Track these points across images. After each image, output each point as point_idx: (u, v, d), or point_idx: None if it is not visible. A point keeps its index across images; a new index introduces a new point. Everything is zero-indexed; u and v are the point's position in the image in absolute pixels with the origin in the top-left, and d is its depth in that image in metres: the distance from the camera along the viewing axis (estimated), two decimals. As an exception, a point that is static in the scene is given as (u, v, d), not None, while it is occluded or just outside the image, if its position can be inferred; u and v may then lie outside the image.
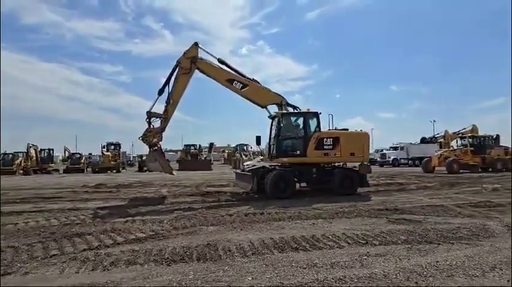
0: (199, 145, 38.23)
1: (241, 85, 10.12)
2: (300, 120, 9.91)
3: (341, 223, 5.95)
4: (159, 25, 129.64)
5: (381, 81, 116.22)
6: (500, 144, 25.66)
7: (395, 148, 36.01)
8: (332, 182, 9.76)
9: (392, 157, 34.40)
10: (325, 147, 9.64)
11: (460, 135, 36.15)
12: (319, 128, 9.79)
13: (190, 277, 3.30)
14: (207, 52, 10.21)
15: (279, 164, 9.79)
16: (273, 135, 10.06)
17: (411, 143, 36.89)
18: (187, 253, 4.07)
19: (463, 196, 9.64)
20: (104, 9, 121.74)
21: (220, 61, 10.24)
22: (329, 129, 10.26)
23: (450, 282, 3.08)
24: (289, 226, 5.68)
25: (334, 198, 9.06)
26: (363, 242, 4.51)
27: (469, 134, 29.19)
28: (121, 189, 12.69)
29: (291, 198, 9.05)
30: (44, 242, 4.67)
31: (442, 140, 38.03)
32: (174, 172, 12.05)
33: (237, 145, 51.54)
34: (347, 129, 10.37)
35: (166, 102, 9.84)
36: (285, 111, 10.14)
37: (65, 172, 28.12)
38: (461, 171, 20.65)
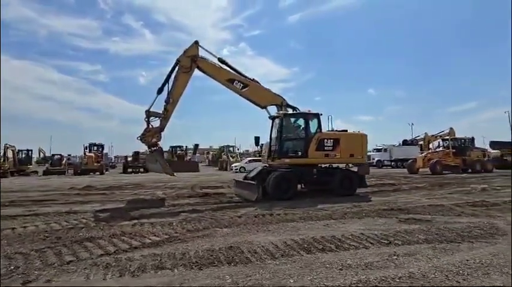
0: (186, 146, 37.65)
1: (241, 85, 10.02)
2: (302, 121, 9.94)
3: (354, 223, 5.97)
4: (138, 24, 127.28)
5: (359, 85, 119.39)
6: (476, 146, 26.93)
7: (378, 150, 36.93)
8: (332, 182, 9.83)
9: (376, 159, 35.27)
10: (325, 148, 9.72)
11: (439, 137, 37.72)
12: (320, 129, 9.85)
13: (228, 281, 3.18)
14: (207, 51, 10.07)
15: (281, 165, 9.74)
16: (274, 136, 10.02)
17: (394, 145, 38.01)
18: (214, 256, 3.94)
19: (457, 195, 9.96)
20: (81, 6, 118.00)
21: (221, 60, 10.10)
22: (328, 131, 10.33)
23: (488, 280, 3.14)
24: (304, 227, 5.63)
25: (334, 199, 9.12)
26: (386, 242, 4.53)
27: (451, 137, 30.41)
28: (113, 191, 12.25)
29: (293, 199, 9.04)
30: (54, 248, 4.39)
31: (422, 142, 39.50)
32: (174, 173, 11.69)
33: (222, 146, 51.27)
34: (346, 131, 10.49)
35: (165, 102, 9.58)
36: (287, 112, 10.12)
37: (44, 173, 26.86)
38: (444, 172, 21.44)
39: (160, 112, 9.57)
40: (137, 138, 9.55)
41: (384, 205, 8.00)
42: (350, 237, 4.82)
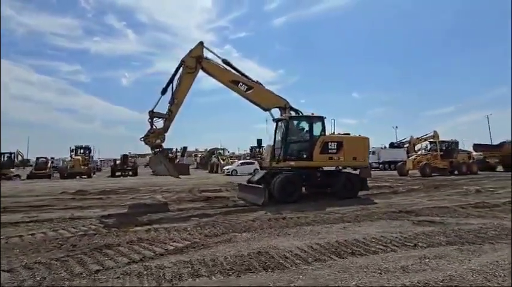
0: (176, 149, 37.13)
1: (246, 87, 9.98)
2: (307, 124, 9.97)
3: (369, 226, 6.01)
4: (121, 24, 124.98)
5: (343, 88, 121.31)
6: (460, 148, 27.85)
7: (367, 152, 37.56)
8: (335, 185, 9.90)
9: (365, 161, 35.80)
10: (329, 151, 9.78)
11: (423, 140, 38.79)
12: (324, 132, 9.92)
13: (272, 287, 3.12)
14: (212, 52, 9.99)
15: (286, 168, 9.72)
16: (279, 139, 10.01)
17: (382, 148, 38.81)
18: (246, 263, 3.86)
19: (455, 197, 10.24)
20: (61, 5, 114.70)
21: (225, 62, 10.04)
22: (331, 134, 10.41)
23: (526, 281, 3.21)
24: (322, 231, 5.62)
25: (338, 201, 9.17)
26: (411, 244, 4.58)
27: (435, 140, 31.28)
28: (109, 195, 11.90)
29: (298, 202, 9.03)
30: (74, 257, 4.19)
31: (407, 145, 40.55)
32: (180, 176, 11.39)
33: (211, 149, 50.88)
34: (349, 134, 10.61)
35: (169, 103, 9.43)
36: (292, 114, 10.14)
37: (28, 177, 25.76)
38: (432, 174, 22.03)
39: (164, 113, 9.39)
40: (140, 139, 9.32)
41: (390, 207, 8.12)
42: (373, 240, 4.84)
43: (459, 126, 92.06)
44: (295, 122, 10.12)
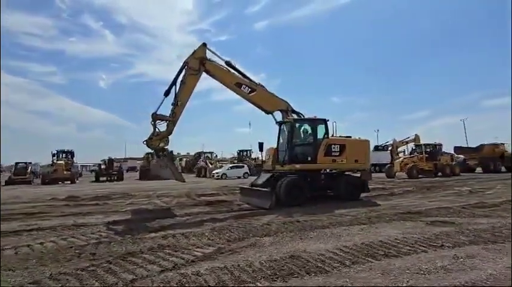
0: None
1: (249, 89, 9.93)
2: (310, 127, 10.01)
3: (386, 227, 6.07)
4: (98, 24, 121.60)
5: (323, 93, 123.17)
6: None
7: (353, 155, 38.23)
8: (338, 188, 9.99)
9: (351, 164, 36.42)
10: (333, 153, 9.85)
11: (405, 143, 39.92)
12: (328, 135, 9.99)
13: (325, 292, 3.06)
14: (215, 53, 9.90)
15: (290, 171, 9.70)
16: (283, 142, 9.99)
17: (367, 151, 39.59)
18: (284, 267, 3.78)
19: (451, 198, 10.56)
20: (35, 3, 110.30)
21: (228, 64, 9.97)
22: (334, 137, 10.50)
23: None
24: (343, 233, 5.62)
25: (342, 204, 9.21)
26: (437, 245, 4.65)
27: (416, 143, 32.28)
28: (105, 201, 11.45)
29: (302, 205, 9.01)
30: (99, 266, 3.97)
31: (391, 148, 41.62)
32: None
33: (196, 153, 50.23)
34: (350, 137, 10.74)
35: (172, 104, 9.23)
36: (295, 117, 10.15)
37: (7, 183, 24.43)
38: (419, 176, 22.70)
39: (168, 115, 9.17)
40: (143, 142, 9.03)
41: (396, 209, 8.26)
42: (398, 241, 4.88)
43: (434, 129, 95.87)
44: (301, 125, 10.14)
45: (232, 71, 10.04)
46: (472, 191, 12.23)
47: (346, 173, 10.70)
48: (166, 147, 9.39)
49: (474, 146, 32.30)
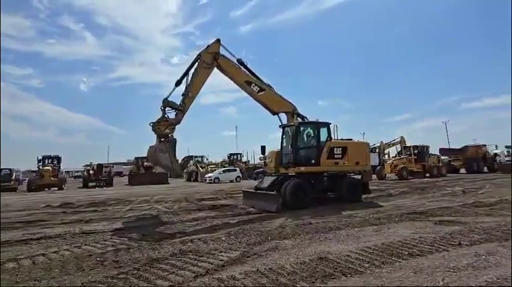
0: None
1: (258, 89, 10.07)
2: (314, 130, 10.14)
3: (397, 227, 6.21)
4: (78, 26, 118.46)
5: (308, 96, 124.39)
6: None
7: (342, 158, 38.78)
8: (341, 190, 10.14)
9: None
10: (335, 156, 10.01)
11: (391, 145, 40.85)
12: (330, 138, 10.15)
13: (368, 292, 3.12)
14: (228, 51, 10.07)
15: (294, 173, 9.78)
16: (286, 145, 10.08)
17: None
18: (318, 269, 3.83)
19: (448, 198, 10.92)
20: (11, 3, 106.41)
21: (240, 62, 10.16)
22: (335, 139, 10.67)
23: None
24: (360, 234, 5.71)
25: (346, 205, 9.34)
26: (455, 243, 4.81)
27: (402, 145, 33.03)
28: (104, 207, 11.19)
29: (307, 207, 9.09)
30: (128, 273, 3.89)
31: (378, 150, 42.46)
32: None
33: (185, 157, 49.60)
34: (351, 139, 10.94)
35: (183, 95, 9.25)
36: (299, 121, 10.27)
37: (-10, 191, 23.40)
38: (408, 177, 23.29)
39: (178, 104, 9.14)
40: (150, 124, 8.86)
41: (400, 209, 8.47)
42: (417, 241, 5.01)
43: (415, 132, 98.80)
44: (305, 128, 10.26)
45: (243, 69, 10.16)
46: (465, 191, 12.66)
47: (347, 175, 10.88)
48: (171, 134, 9.20)
49: (454, 147, 33.61)
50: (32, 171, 55.85)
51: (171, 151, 9.10)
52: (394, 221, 6.81)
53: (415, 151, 26.17)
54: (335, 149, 10.02)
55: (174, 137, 9.27)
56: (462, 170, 29.34)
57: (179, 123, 9.12)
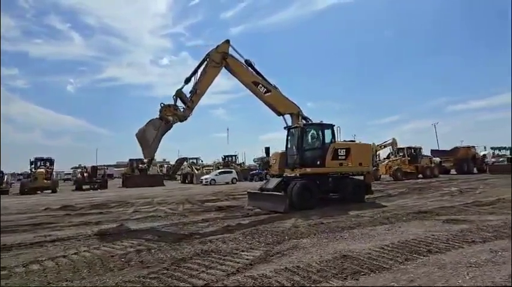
0: (150, 159, 35.38)
1: (264, 90, 10.20)
2: (319, 132, 10.30)
3: (408, 226, 6.39)
4: (65, 26, 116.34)
5: (298, 98, 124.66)
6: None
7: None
8: (345, 190, 10.32)
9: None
10: (339, 157, 10.18)
11: (383, 147, 41.45)
12: (335, 139, 10.33)
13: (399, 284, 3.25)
14: (237, 51, 10.17)
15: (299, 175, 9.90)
16: (293, 146, 10.21)
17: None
18: (346, 266, 3.94)
19: (447, 198, 11.25)
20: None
21: (248, 63, 10.26)
22: (339, 141, 10.84)
23: None
24: (373, 233, 5.87)
25: (351, 205, 9.48)
26: (469, 240, 5.00)
27: (394, 146, 33.56)
28: (108, 210, 11.11)
29: (314, 208, 9.22)
30: (159, 273, 3.93)
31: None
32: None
33: (179, 159, 49.29)
34: (354, 141, 11.14)
35: (191, 92, 9.32)
36: (304, 123, 10.42)
37: (-19, 194, 22.82)
38: (403, 178, 23.73)
39: (188, 97, 9.23)
40: (160, 104, 8.88)
41: (404, 209, 8.69)
42: (431, 239, 5.19)
43: (403, 134, 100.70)
44: (309, 130, 10.41)
45: (251, 69, 10.28)
46: (461, 191, 13.02)
47: (351, 176, 11.07)
48: (172, 121, 9.14)
49: (444, 149, 34.38)
50: (19, 174, 54.59)
51: (160, 132, 8.89)
52: (402, 220, 6.99)
53: (409, 153, 26.72)
54: (339, 150, 10.19)
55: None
56: (452, 171, 30.02)
57: (186, 119, 9.17)
